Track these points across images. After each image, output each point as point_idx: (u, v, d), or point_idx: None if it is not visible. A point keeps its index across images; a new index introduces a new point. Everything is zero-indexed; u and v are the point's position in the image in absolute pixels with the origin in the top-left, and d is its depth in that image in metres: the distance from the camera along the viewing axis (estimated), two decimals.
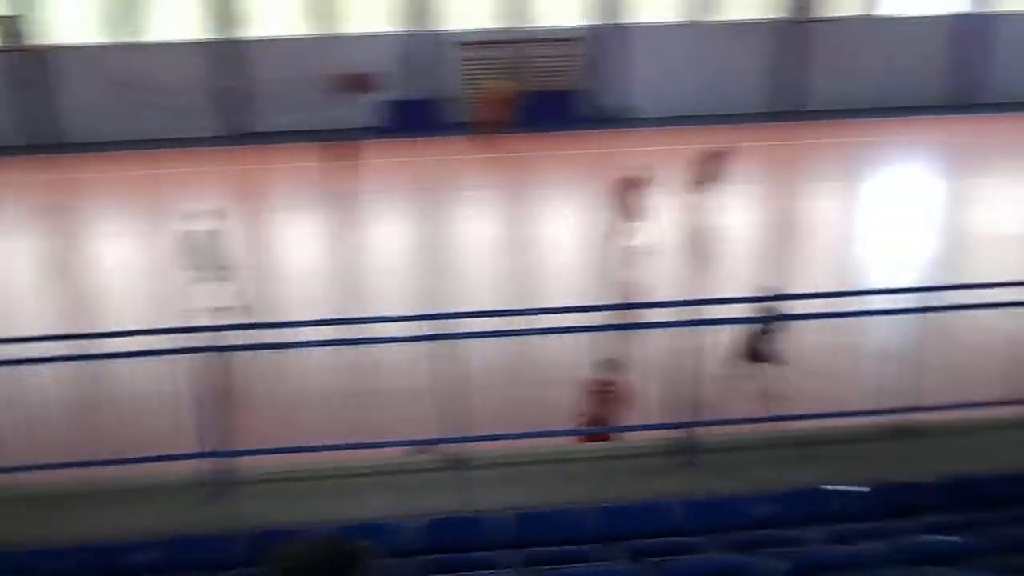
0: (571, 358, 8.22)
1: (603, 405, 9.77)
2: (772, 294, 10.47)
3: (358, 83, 28.60)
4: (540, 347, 8.94)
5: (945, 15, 30.59)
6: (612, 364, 9.59)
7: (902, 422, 8.57)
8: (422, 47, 29.13)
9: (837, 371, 12.18)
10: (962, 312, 8.91)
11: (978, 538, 5.45)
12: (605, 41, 29.56)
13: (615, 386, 9.90)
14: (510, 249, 20.07)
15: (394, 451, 8.46)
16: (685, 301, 8.30)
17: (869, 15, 30.47)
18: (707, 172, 20.02)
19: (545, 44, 29.65)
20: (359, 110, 28.03)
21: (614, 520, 6.21)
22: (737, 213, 20.62)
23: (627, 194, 18.10)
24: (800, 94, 30.48)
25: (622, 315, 10.22)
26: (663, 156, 26.16)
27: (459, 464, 7.74)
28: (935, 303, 8.90)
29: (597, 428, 8.76)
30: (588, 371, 10.02)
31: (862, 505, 6.50)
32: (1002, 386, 8.69)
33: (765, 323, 10.33)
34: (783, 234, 20.42)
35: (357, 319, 9.73)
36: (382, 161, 24.39)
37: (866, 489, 6.72)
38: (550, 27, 29.65)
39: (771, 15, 30.04)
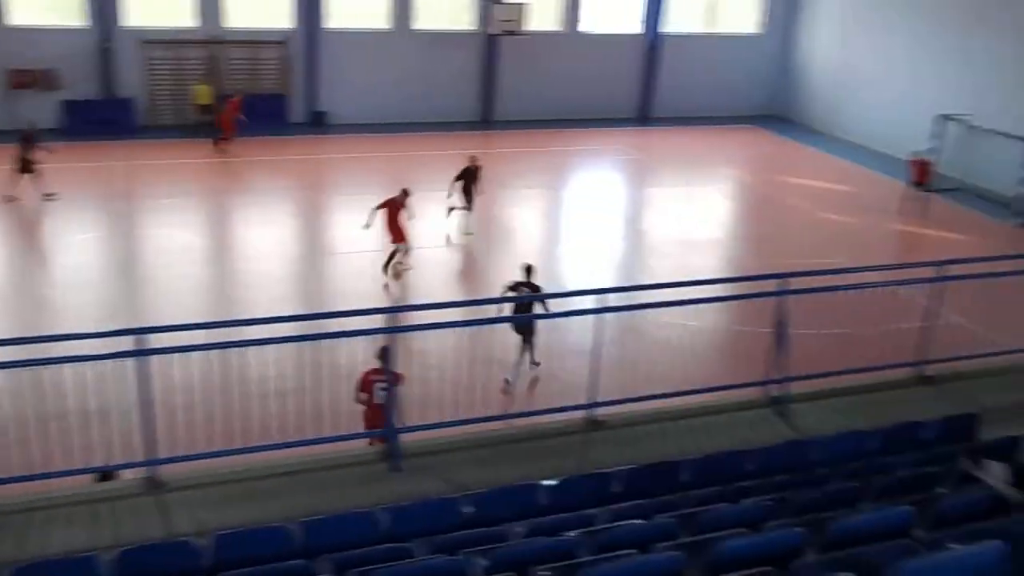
0: (273, 370, 8.02)
1: (382, 394, 9.86)
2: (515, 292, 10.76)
3: (33, 80, 26.25)
4: (247, 360, 8.64)
5: (634, 34, 32.90)
6: (386, 353, 9.43)
7: (596, 416, 9.12)
8: (104, 44, 27.18)
9: (541, 369, 12.78)
10: (651, 309, 9.66)
11: (663, 521, 5.90)
12: (308, 46, 29.04)
13: (391, 375, 9.88)
14: (208, 258, 19.27)
15: (85, 478, 7.86)
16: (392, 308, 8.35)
17: (559, 31, 32.10)
18: (459, 185, 20.46)
19: (243, 46, 28.67)
20: (35, 109, 25.66)
21: (319, 534, 6.11)
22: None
23: (394, 210, 17.82)
24: (503, 104, 31.57)
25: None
26: (374, 163, 26.26)
27: (155, 488, 7.32)
28: (629, 302, 9.53)
29: (289, 443, 8.53)
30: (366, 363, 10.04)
31: (559, 497, 6.83)
32: (681, 377, 9.49)
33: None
34: (500, 238, 21.08)
35: (33, 338, 8.85)
36: (63, 165, 22.49)
37: (555, 482, 7.07)
38: (249, 29, 28.72)
39: (475, 28, 30.89)
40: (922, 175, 24.03)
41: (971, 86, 26.62)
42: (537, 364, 12.93)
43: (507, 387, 12.64)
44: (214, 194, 23.24)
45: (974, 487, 5.53)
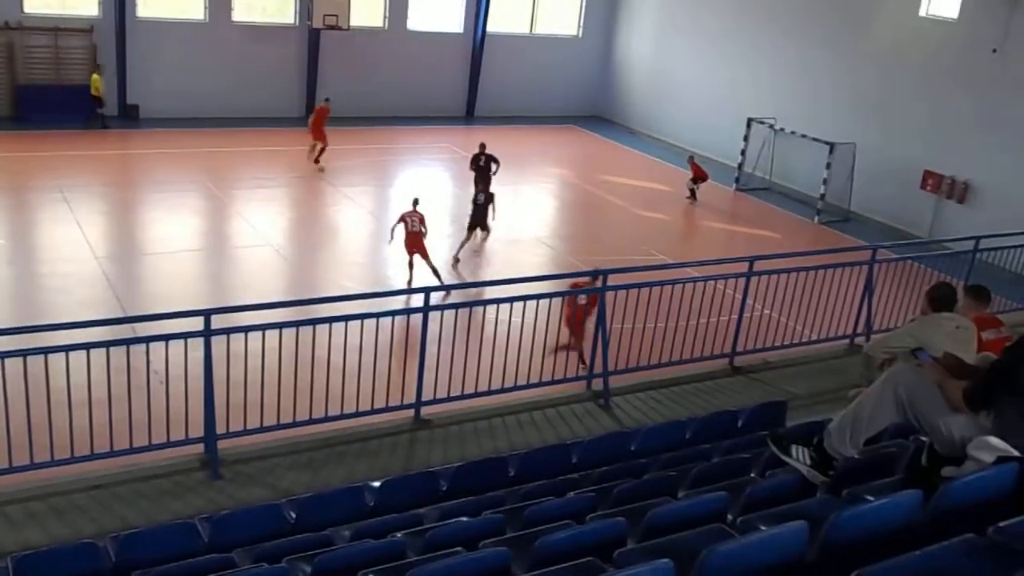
0: (78, 378, 7.56)
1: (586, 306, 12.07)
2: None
3: None
4: (51, 368, 8.10)
5: (459, 33, 33.03)
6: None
7: (422, 415, 9.10)
8: None
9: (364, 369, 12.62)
10: (477, 307, 9.72)
11: (490, 517, 5.93)
12: (117, 35, 27.54)
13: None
14: (7, 260, 18.00)
15: None
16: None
17: (384, 28, 31.84)
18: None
19: (45, 33, 26.90)
20: None
21: (133, 548, 5.80)
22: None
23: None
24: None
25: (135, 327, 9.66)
26: (190, 159, 25.24)
27: None
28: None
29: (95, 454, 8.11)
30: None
31: (386, 498, 6.76)
32: (508, 374, 9.59)
33: None
34: (324, 237, 20.69)
35: None
36: None
37: (377, 484, 7.00)
38: (51, 15, 27.01)
39: (297, 21, 30.19)
40: (697, 172, 26.02)
41: (778, 91, 28.20)
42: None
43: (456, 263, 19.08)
44: (13, 191, 21.76)
45: (781, 471, 5.83)
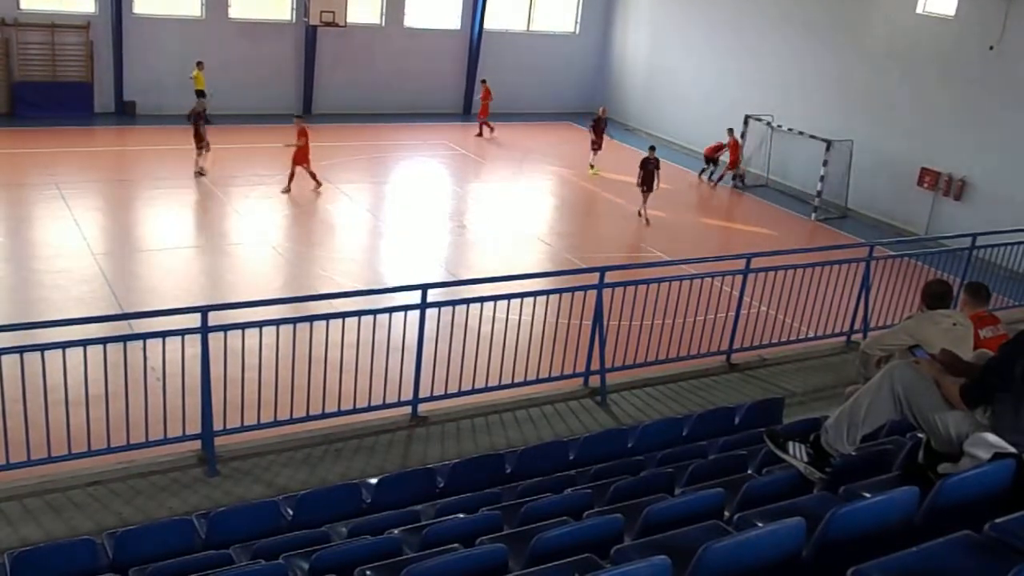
0: (75, 375, 7.56)
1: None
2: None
3: None
4: (48, 365, 8.10)
5: (456, 30, 32.99)
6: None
7: (420, 412, 9.10)
8: None
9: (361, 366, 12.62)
10: (474, 304, 9.70)
11: (487, 514, 5.94)
12: (114, 32, 27.47)
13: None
14: (3, 257, 17.98)
15: None
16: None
17: (381, 24, 31.78)
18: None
19: (41, 30, 26.83)
20: None
21: (130, 545, 5.80)
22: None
23: None
24: (324, 97, 30.96)
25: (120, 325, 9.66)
26: (188, 155, 25.18)
27: None
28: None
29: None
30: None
31: (383, 495, 6.76)
32: (505, 371, 9.59)
33: None
34: (321, 234, 20.65)
35: None
36: None
37: (374, 481, 7.00)
38: (47, 11, 26.93)
39: (294, 18, 30.12)
40: (712, 152, 27.79)
41: (775, 88, 28.17)
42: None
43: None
44: (9, 188, 21.72)
45: (778, 468, 5.84)
